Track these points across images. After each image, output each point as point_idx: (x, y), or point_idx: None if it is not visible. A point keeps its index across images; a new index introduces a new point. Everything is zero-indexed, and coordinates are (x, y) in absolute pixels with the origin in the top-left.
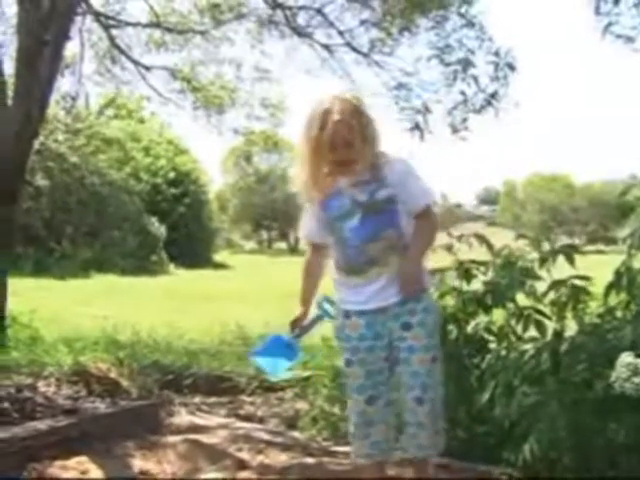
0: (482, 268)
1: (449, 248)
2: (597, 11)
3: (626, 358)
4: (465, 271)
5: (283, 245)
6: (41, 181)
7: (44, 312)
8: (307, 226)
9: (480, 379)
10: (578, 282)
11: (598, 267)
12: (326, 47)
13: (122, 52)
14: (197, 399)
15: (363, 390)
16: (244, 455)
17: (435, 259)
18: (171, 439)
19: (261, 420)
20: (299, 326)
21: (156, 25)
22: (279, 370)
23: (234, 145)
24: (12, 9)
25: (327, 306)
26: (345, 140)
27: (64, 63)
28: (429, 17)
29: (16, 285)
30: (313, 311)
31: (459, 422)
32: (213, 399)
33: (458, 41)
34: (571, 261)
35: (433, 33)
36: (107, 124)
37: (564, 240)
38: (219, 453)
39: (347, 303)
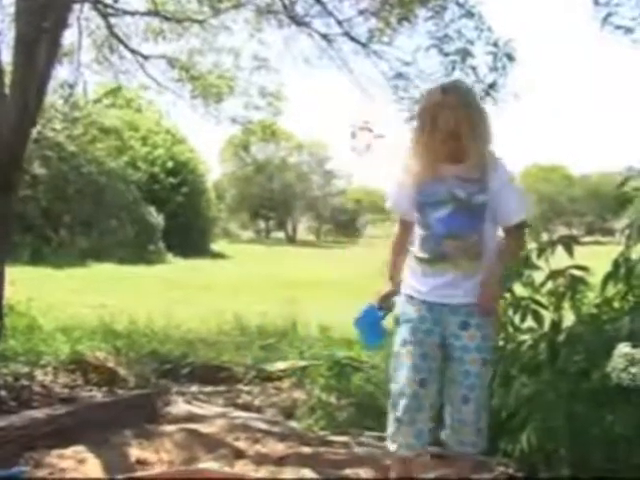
0: None
1: None
2: (596, 1)
3: (623, 349)
4: None
5: (281, 234)
6: (39, 170)
7: (41, 301)
8: (398, 199)
9: None
10: (576, 272)
11: (596, 258)
12: (324, 36)
13: (120, 41)
14: (194, 388)
15: (418, 371)
16: (241, 444)
17: None
18: (168, 428)
19: (258, 410)
20: (387, 303)
21: (154, 14)
22: (374, 341)
23: (232, 134)
24: None
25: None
26: (454, 133)
27: (62, 51)
28: (428, 7)
29: (13, 274)
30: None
31: None
32: (210, 388)
33: (457, 31)
34: (570, 252)
35: (432, 23)
36: (105, 113)
37: (562, 231)
38: (216, 442)
39: (409, 288)
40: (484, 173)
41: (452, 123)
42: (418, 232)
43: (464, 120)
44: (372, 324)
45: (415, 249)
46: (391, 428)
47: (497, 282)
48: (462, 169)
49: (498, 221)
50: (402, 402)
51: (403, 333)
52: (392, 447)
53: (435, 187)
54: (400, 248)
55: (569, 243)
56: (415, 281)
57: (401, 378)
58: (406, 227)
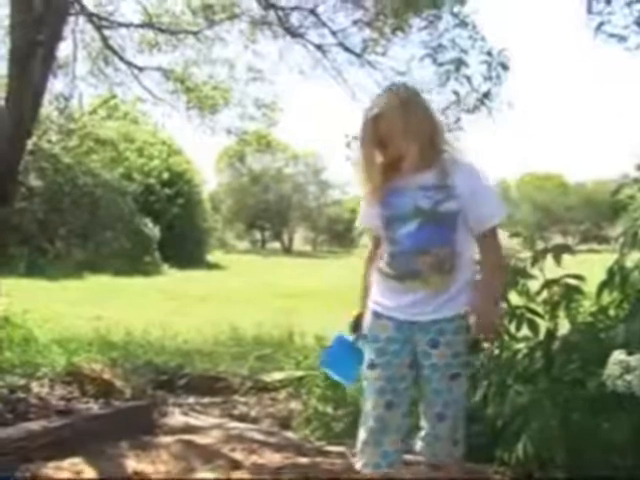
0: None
1: None
2: (589, 10)
3: (618, 356)
4: None
5: (277, 245)
6: (34, 181)
7: (37, 313)
8: (367, 216)
9: (473, 378)
10: (571, 281)
11: (591, 266)
12: (319, 47)
13: (115, 53)
14: (191, 399)
15: (383, 393)
16: (237, 455)
17: None
18: (165, 439)
19: (255, 420)
20: (359, 327)
21: (149, 26)
22: (350, 376)
23: (227, 145)
24: (4, 10)
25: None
26: (384, 137)
27: (57, 64)
28: (422, 17)
29: (9, 286)
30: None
31: None
32: (207, 399)
33: (451, 41)
34: (558, 261)
35: (426, 33)
36: (101, 125)
37: (558, 239)
38: (213, 453)
39: (378, 305)
40: (447, 177)
41: (382, 131)
42: (386, 248)
43: (394, 125)
44: (344, 357)
45: (383, 265)
46: (358, 446)
47: (494, 304)
48: (425, 177)
49: (471, 227)
50: (368, 424)
51: (370, 354)
52: (358, 465)
53: (399, 200)
54: (372, 266)
55: (559, 253)
56: (382, 297)
57: (368, 400)
58: (377, 243)
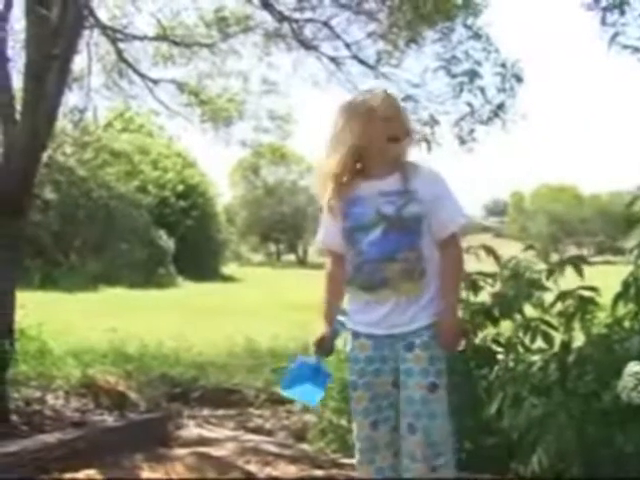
0: (490, 280)
1: None
2: (603, 21)
3: (633, 367)
4: (473, 283)
5: (292, 257)
6: (49, 194)
7: (52, 325)
8: (326, 232)
9: (488, 390)
10: (585, 293)
11: (606, 278)
12: (333, 59)
13: (129, 65)
14: (205, 412)
15: (367, 414)
16: (252, 468)
17: None
18: (179, 452)
19: (269, 432)
20: (323, 345)
21: (163, 38)
22: (315, 399)
23: (241, 158)
24: (20, 24)
25: (340, 318)
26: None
27: (72, 77)
28: (435, 29)
29: (24, 298)
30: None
31: (467, 433)
32: (221, 412)
33: (464, 52)
34: (579, 272)
35: (439, 45)
36: (115, 137)
37: (573, 251)
38: (227, 465)
39: (356, 324)
40: (408, 182)
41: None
42: (352, 261)
43: (395, 126)
44: (304, 380)
45: (352, 279)
46: (355, 461)
47: (454, 312)
48: (386, 183)
49: (432, 233)
50: (358, 445)
51: (352, 375)
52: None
53: (359, 209)
54: (334, 284)
55: (577, 264)
56: (357, 313)
57: (355, 422)
58: (336, 259)
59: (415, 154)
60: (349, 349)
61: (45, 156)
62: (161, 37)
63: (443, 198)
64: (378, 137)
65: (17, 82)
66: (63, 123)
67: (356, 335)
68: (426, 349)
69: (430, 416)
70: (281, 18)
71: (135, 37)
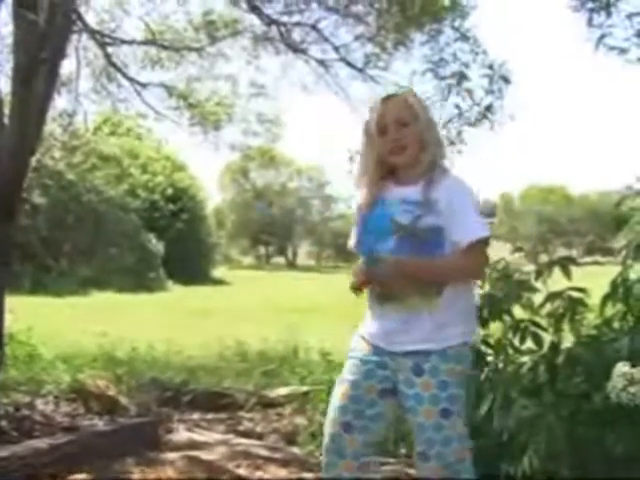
0: (479, 281)
1: None
2: (590, 23)
3: (622, 368)
4: None
5: (281, 260)
6: (38, 199)
7: (42, 329)
8: (355, 234)
9: (478, 392)
10: (574, 294)
11: (595, 278)
12: (321, 62)
13: (118, 69)
14: (196, 415)
15: (344, 413)
16: (243, 471)
17: None
18: (170, 455)
19: (260, 436)
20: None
21: (152, 42)
22: None
23: (230, 161)
24: (8, 28)
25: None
26: (398, 142)
27: (60, 81)
28: (423, 31)
29: (14, 302)
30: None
31: None
32: (212, 415)
33: (452, 55)
34: (567, 274)
35: (427, 47)
36: (104, 141)
37: (562, 252)
38: (218, 469)
39: (363, 328)
40: (430, 192)
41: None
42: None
43: (417, 130)
44: None
45: (369, 286)
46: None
47: (414, 269)
48: (410, 190)
49: (454, 245)
50: (325, 442)
51: (345, 369)
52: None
53: (381, 211)
54: None
55: (565, 265)
56: (368, 321)
57: (328, 417)
58: None
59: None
60: (352, 345)
61: (34, 160)
62: (150, 41)
63: (463, 208)
64: (382, 153)
65: (5, 86)
66: (52, 127)
67: (362, 337)
68: (434, 375)
69: (444, 442)
70: (269, 22)
71: (124, 41)
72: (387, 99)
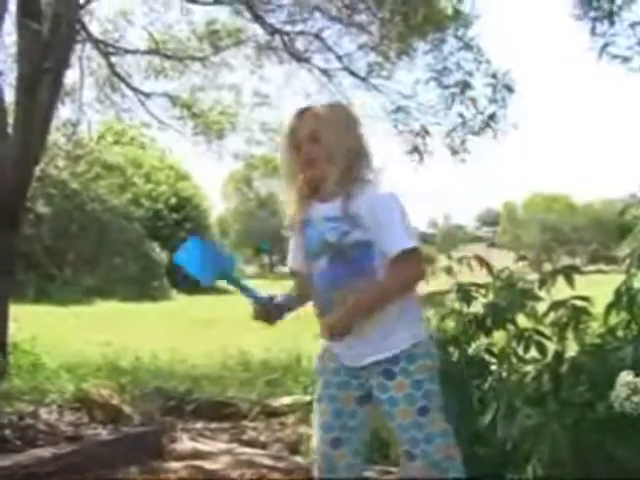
0: (482, 290)
1: (449, 270)
2: (593, 32)
3: (626, 377)
4: (465, 293)
5: (285, 269)
6: (42, 208)
7: (46, 339)
8: (291, 254)
9: (482, 401)
10: (578, 302)
11: (599, 287)
12: (324, 72)
13: (121, 79)
14: (199, 425)
15: (329, 429)
16: None
17: (435, 282)
18: (174, 465)
19: (263, 445)
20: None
21: (155, 52)
22: (208, 276)
23: (234, 170)
24: (12, 37)
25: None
26: (307, 156)
27: (64, 90)
28: (427, 40)
29: (17, 312)
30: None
31: (461, 444)
32: (215, 425)
33: (456, 64)
34: (570, 282)
35: (431, 56)
36: (108, 150)
37: (566, 260)
38: (221, 478)
39: (322, 351)
40: (350, 206)
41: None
42: (309, 288)
43: (327, 142)
44: (203, 257)
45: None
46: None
47: (350, 317)
48: (330, 206)
49: (384, 256)
50: (317, 461)
51: (318, 388)
52: None
53: (310, 231)
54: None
55: (569, 274)
56: (324, 344)
57: (316, 436)
58: (302, 282)
59: (408, 165)
60: (317, 358)
61: (38, 169)
62: (153, 51)
63: (387, 219)
64: (299, 165)
65: (9, 96)
66: (56, 136)
67: (326, 358)
68: (407, 375)
69: (427, 440)
70: (272, 31)
71: (127, 51)
72: (300, 113)
